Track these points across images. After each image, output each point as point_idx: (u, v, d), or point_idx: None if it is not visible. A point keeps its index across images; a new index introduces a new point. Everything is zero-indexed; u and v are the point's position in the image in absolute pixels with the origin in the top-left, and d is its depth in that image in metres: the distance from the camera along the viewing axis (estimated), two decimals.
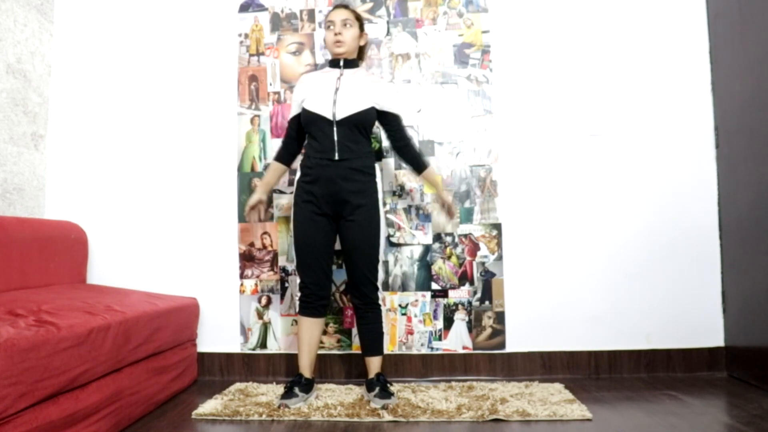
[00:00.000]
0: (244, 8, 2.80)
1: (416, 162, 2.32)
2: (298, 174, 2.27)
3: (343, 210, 2.19)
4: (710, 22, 2.61)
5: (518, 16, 2.70)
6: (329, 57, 2.36)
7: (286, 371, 2.63)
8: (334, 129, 2.19)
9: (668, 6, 2.65)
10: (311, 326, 2.24)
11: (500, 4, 2.70)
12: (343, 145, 2.18)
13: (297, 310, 2.27)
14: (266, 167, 2.62)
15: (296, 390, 2.15)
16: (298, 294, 2.26)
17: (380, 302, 2.26)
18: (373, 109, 2.24)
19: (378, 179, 2.26)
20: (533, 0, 2.69)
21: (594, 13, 2.67)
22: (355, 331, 2.62)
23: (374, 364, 2.25)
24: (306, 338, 2.24)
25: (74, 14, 2.86)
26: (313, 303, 2.23)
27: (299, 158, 2.36)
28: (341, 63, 2.30)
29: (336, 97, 2.21)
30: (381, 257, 2.26)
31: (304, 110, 2.24)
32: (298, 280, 2.26)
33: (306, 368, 2.23)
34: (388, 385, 2.20)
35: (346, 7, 2.35)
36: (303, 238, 2.21)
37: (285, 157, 2.36)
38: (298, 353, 2.25)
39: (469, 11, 2.71)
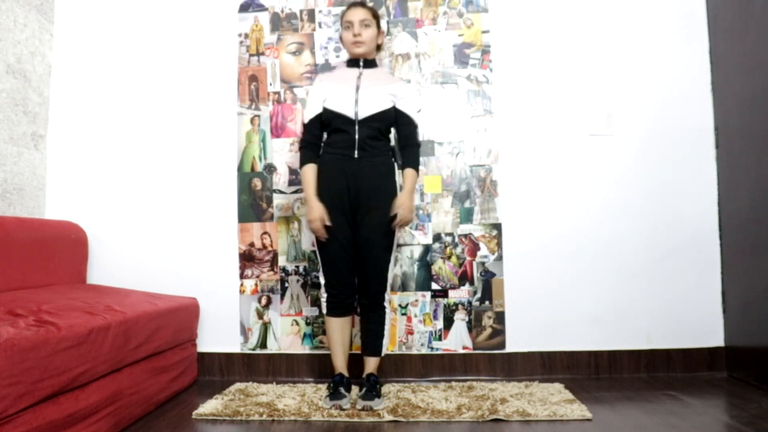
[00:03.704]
0: (244, 8, 2.80)
1: (405, 159, 2.27)
2: (317, 172, 2.25)
3: (359, 207, 2.20)
4: (710, 22, 2.61)
5: (518, 16, 2.70)
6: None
7: (286, 371, 2.63)
8: (356, 128, 2.20)
9: (668, 6, 2.65)
10: (342, 325, 2.26)
11: (500, 4, 2.70)
12: (363, 143, 2.21)
13: (324, 311, 2.25)
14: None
15: (342, 390, 2.14)
16: (324, 295, 2.24)
17: (386, 303, 2.25)
18: (393, 108, 2.25)
19: (397, 177, 2.27)
20: (533, 0, 2.69)
21: (594, 13, 2.67)
22: (355, 330, 2.61)
23: (369, 363, 2.25)
24: (339, 338, 2.24)
25: (74, 14, 2.86)
26: (342, 302, 2.24)
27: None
28: (361, 63, 2.30)
29: (358, 96, 2.22)
30: (392, 260, 2.25)
31: (325, 109, 2.23)
32: (322, 281, 2.25)
33: (345, 367, 2.24)
34: (378, 387, 2.18)
35: (363, 5, 2.30)
36: (327, 237, 2.18)
37: (314, 157, 2.27)
38: (332, 354, 2.25)
39: (469, 11, 2.71)
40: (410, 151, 2.29)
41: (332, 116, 2.22)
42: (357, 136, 2.20)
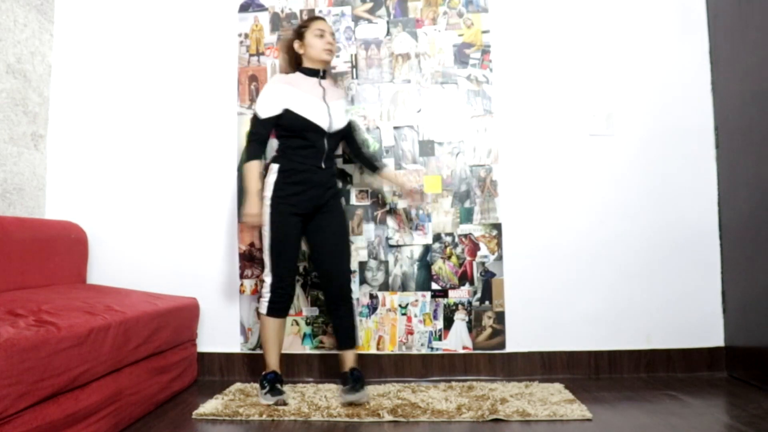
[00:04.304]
0: (244, 8, 2.80)
1: (373, 164, 2.51)
2: (276, 176, 2.26)
3: (317, 212, 2.31)
4: (710, 22, 2.61)
5: (518, 16, 2.70)
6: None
7: (286, 371, 2.62)
8: (325, 139, 2.29)
9: (668, 6, 2.65)
10: (281, 326, 2.31)
11: (500, 4, 2.70)
12: (328, 155, 2.33)
13: (264, 311, 2.25)
14: (242, 171, 2.39)
15: (279, 386, 2.20)
16: (268, 295, 2.25)
17: (353, 295, 2.36)
18: (348, 120, 2.44)
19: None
20: (533, 0, 2.69)
21: (594, 13, 2.67)
22: None
23: (350, 358, 2.29)
24: (278, 339, 2.29)
25: (74, 14, 2.86)
26: (285, 303, 2.29)
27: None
28: (321, 73, 2.38)
29: (330, 110, 2.31)
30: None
31: (294, 114, 2.25)
32: (268, 281, 2.25)
33: (278, 365, 2.29)
34: (363, 379, 2.21)
35: (326, 20, 2.45)
36: (283, 239, 2.25)
37: (261, 154, 2.33)
38: (269, 352, 2.27)
39: (469, 11, 2.71)
40: (372, 153, 2.60)
41: (303, 124, 2.25)
42: (326, 148, 2.30)
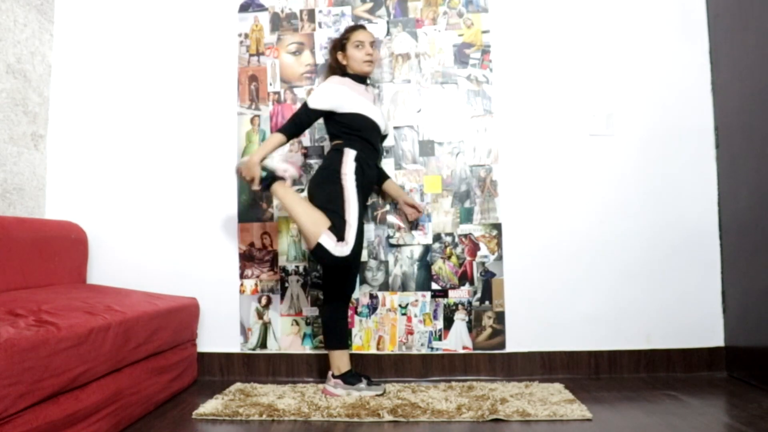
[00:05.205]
0: (244, 8, 2.80)
1: (383, 174, 2.55)
2: (355, 165, 2.25)
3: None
4: (710, 22, 2.61)
5: (518, 16, 2.70)
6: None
7: (286, 371, 2.63)
8: (378, 140, 2.40)
9: (668, 6, 2.65)
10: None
11: (500, 4, 2.70)
12: (380, 156, 2.47)
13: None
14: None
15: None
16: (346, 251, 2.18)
17: None
18: None
19: None
20: (533, 0, 2.69)
21: (594, 13, 2.67)
22: (355, 330, 2.63)
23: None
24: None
25: (74, 14, 2.86)
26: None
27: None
28: (367, 81, 2.46)
29: (382, 113, 2.43)
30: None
31: (361, 116, 2.29)
32: (351, 238, 2.18)
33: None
34: None
35: (366, 28, 2.45)
36: (360, 223, 2.26)
37: (291, 137, 2.32)
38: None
39: (469, 11, 2.71)
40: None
41: (369, 126, 2.31)
42: (380, 149, 2.44)
